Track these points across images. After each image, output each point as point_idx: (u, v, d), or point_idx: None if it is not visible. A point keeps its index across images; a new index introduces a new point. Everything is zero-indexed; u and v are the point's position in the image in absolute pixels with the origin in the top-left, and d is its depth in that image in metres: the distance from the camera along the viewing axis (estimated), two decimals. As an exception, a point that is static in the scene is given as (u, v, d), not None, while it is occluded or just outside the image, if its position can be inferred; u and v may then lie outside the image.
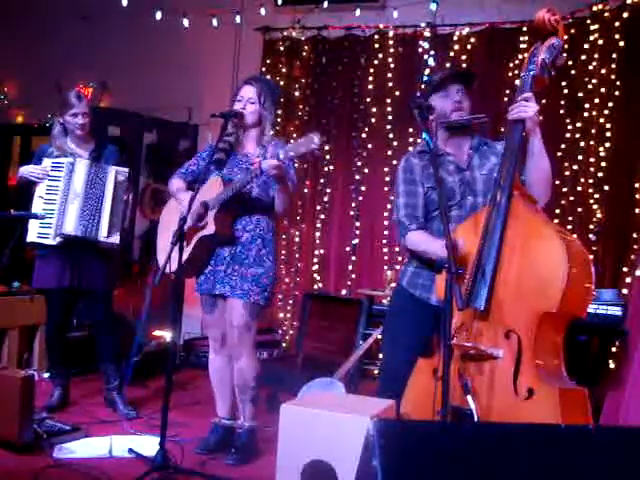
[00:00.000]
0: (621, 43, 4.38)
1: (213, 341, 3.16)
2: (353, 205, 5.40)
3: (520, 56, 4.73)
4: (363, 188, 5.37)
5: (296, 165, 5.22)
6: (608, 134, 4.41)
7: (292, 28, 5.52)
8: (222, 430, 3.16)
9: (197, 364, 4.91)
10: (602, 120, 4.44)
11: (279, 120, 5.26)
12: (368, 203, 5.36)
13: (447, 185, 2.55)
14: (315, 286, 5.43)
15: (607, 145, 4.41)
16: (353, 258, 5.38)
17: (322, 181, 5.51)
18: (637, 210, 4.12)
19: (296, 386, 3.57)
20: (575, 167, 4.60)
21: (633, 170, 4.21)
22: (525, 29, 4.86)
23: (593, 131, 4.50)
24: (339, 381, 3.60)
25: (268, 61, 5.62)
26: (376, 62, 5.32)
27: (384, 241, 5.25)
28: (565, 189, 4.60)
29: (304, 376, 3.76)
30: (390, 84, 5.26)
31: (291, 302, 5.53)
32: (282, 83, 5.44)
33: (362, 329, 4.36)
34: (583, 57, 4.59)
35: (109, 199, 3.53)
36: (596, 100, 4.48)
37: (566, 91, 4.69)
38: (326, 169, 5.51)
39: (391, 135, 5.26)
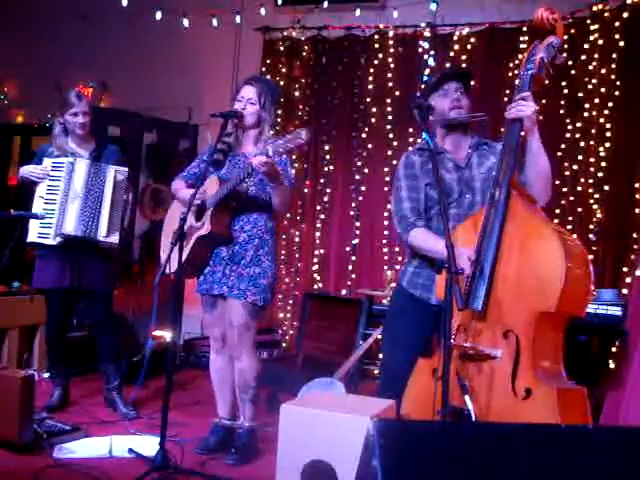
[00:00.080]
0: (621, 43, 4.38)
1: (214, 341, 3.16)
2: (353, 205, 5.40)
3: (520, 56, 4.73)
4: (363, 188, 5.37)
5: (296, 165, 5.31)
6: (608, 134, 4.41)
7: (292, 28, 5.52)
8: (222, 430, 3.16)
9: (197, 364, 4.92)
10: (602, 120, 4.44)
11: (279, 120, 5.26)
12: (368, 203, 5.35)
13: (445, 182, 2.54)
14: (315, 286, 5.43)
15: (607, 145, 4.41)
16: (353, 258, 5.38)
17: (322, 181, 5.51)
18: (637, 210, 4.12)
19: (296, 386, 3.57)
20: (575, 167, 4.60)
21: (633, 170, 4.21)
22: (525, 29, 4.86)
23: (593, 131, 4.50)
24: (339, 381, 3.60)
25: (268, 61, 5.62)
26: (376, 62, 5.32)
27: (384, 241, 5.24)
28: (565, 189, 4.60)
29: (304, 376, 3.76)
30: (390, 84, 5.26)
31: (291, 302, 5.53)
32: (282, 83, 5.44)
33: (362, 329, 4.35)
34: (583, 57, 4.58)
35: (108, 199, 3.53)
36: (596, 100, 4.48)
37: (566, 91, 4.69)
38: (326, 169, 5.50)
39: (391, 135, 5.26)
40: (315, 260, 5.47)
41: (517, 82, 2.40)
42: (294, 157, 5.34)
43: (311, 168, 5.53)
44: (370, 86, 5.33)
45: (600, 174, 4.44)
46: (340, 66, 5.45)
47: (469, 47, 5.06)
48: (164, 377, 2.73)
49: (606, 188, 4.41)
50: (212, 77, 5.65)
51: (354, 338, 4.38)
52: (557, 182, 4.42)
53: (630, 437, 1.35)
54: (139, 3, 5.45)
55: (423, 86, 4.77)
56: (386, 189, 5.17)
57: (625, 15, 4.37)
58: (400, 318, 2.70)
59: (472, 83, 2.89)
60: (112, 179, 3.55)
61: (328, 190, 5.49)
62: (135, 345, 4.73)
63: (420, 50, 5.15)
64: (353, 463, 1.35)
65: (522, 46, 4.82)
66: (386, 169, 5.23)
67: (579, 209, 4.54)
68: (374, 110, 5.32)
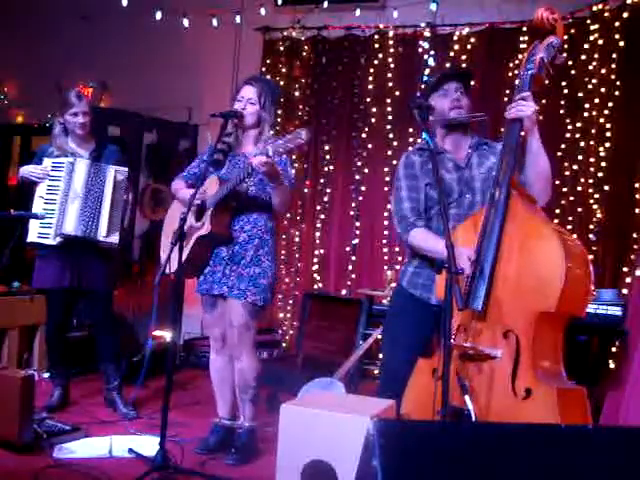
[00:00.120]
0: (621, 43, 4.38)
1: (214, 341, 3.16)
2: (353, 205, 5.40)
3: (520, 56, 4.73)
4: (363, 188, 5.37)
5: (296, 165, 5.31)
6: (608, 134, 4.41)
7: (292, 28, 5.52)
8: (222, 430, 3.16)
9: (197, 364, 4.92)
10: (602, 120, 4.44)
11: (279, 120, 5.26)
12: (368, 203, 5.35)
13: (445, 182, 2.54)
14: (315, 286, 5.43)
15: (607, 145, 4.41)
16: (353, 258, 5.38)
17: (322, 181, 5.51)
18: (637, 210, 4.12)
19: (296, 386, 3.57)
20: (575, 167, 4.60)
21: (633, 170, 4.21)
22: (525, 29, 4.86)
23: (593, 131, 4.50)
24: (339, 381, 3.60)
25: (268, 61, 5.62)
26: (376, 62, 5.32)
27: (384, 241, 5.24)
28: (565, 189, 4.60)
29: (304, 376, 3.76)
30: (390, 84, 5.26)
31: (291, 302, 5.53)
32: (282, 83, 5.45)
33: (362, 329, 4.35)
34: (583, 57, 4.58)
35: (108, 199, 3.53)
36: (596, 100, 4.48)
37: (566, 91, 4.69)
38: (326, 169, 5.50)
39: (391, 135, 5.26)
40: (315, 260, 5.47)
41: (517, 82, 2.40)
42: (294, 157, 5.34)
43: (311, 168, 5.53)
44: (370, 86, 5.33)
45: (600, 174, 4.44)
46: (340, 66, 5.45)
47: (469, 47, 5.06)
48: (164, 377, 2.73)
49: (606, 188, 4.40)
50: (212, 77, 5.65)
51: (354, 338, 4.38)
52: (557, 182, 4.42)
53: (630, 437, 1.35)
54: (139, 3, 5.45)
55: (423, 86, 4.77)
56: (386, 189, 5.17)
57: (625, 15, 4.37)
58: (400, 318, 2.70)
59: (472, 83, 2.89)
60: (112, 179, 3.55)
61: (328, 190, 5.49)
62: (135, 345, 4.74)
63: (420, 50, 5.15)
64: (353, 463, 1.35)
65: (522, 46, 4.82)
66: (386, 169, 5.23)
67: (579, 209, 4.54)
68: (374, 110, 5.32)
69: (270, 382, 3.80)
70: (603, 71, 4.45)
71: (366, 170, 5.38)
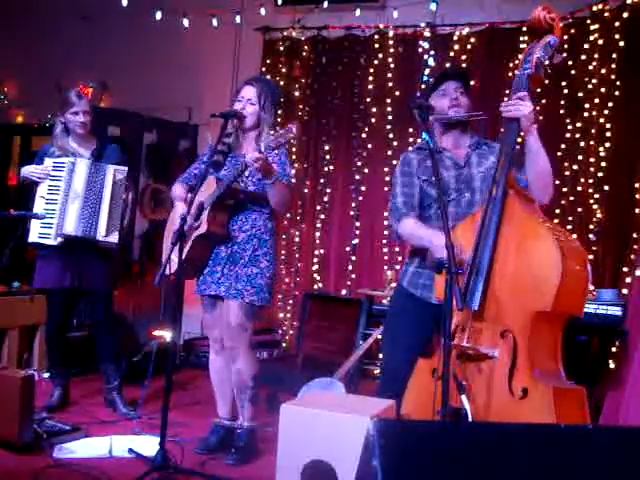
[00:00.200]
0: (621, 43, 4.38)
1: (213, 342, 3.16)
2: (353, 205, 5.40)
3: (520, 56, 4.72)
4: (363, 188, 5.37)
5: (296, 165, 5.31)
6: (608, 134, 4.41)
7: (292, 28, 5.52)
8: (222, 430, 3.16)
9: (197, 364, 4.91)
10: (602, 120, 4.44)
11: (279, 120, 5.26)
12: (368, 203, 5.35)
13: (443, 180, 2.55)
14: (315, 286, 5.43)
15: (607, 145, 4.41)
16: (353, 258, 5.38)
17: (322, 181, 5.50)
18: (637, 210, 4.11)
19: (296, 386, 3.57)
20: (575, 167, 4.59)
21: (633, 170, 4.21)
22: (525, 29, 4.86)
23: (593, 131, 4.50)
24: (339, 381, 3.60)
25: (268, 61, 5.62)
26: (376, 62, 5.32)
27: (384, 241, 5.24)
28: (565, 189, 4.60)
29: (304, 376, 3.76)
30: (390, 84, 5.26)
31: (291, 302, 5.53)
32: (282, 83, 5.44)
33: (362, 329, 4.35)
34: (583, 57, 4.58)
35: (107, 198, 3.53)
36: (596, 100, 4.47)
37: (566, 91, 4.69)
38: (326, 169, 5.50)
39: (391, 135, 5.26)
40: (315, 260, 5.47)
41: (514, 81, 2.41)
42: (294, 157, 5.35)
43: (311, 168, 5.53)
44: (370, 86, 5.33)
45: (600, 174, 4.44)
46: (340, 66, 5.44)
47: (469, 47, 5.06)
48: (164, 377, 2.73)
49: (606, 188, 4.40)
50: (212, 77, 5.65)
51: (354, 338, 4.38)
52: (557, 182, 4.41)
53: (630, 437, 1.35)
54: (139, 3, 5.45)
55: (423, 86, 4.78)
56: (386, 189, 5.16)
57: (625, 15, 4.37)
58: (400, 318, 2.70)
59: (472, 83, 2.90)
60: (111, 178, 3.54)
61: (328, 190, 5.49)
62: (135, 345, 4.73)
63: (420, 50, 5.14)
64: (353, 463, 1.35)
65: (522, 46, 4.81)
66: (386, 169, 5.22)
67: (579, 209, 4.54)
68: (374, 110, 5.31)
69: (270, 382, 3.80)
70: (603, 71, 4.45)
71: (366, 170, 5.38)
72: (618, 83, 4.38)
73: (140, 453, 2.90)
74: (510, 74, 4.84)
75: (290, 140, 2.82)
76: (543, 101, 4.63)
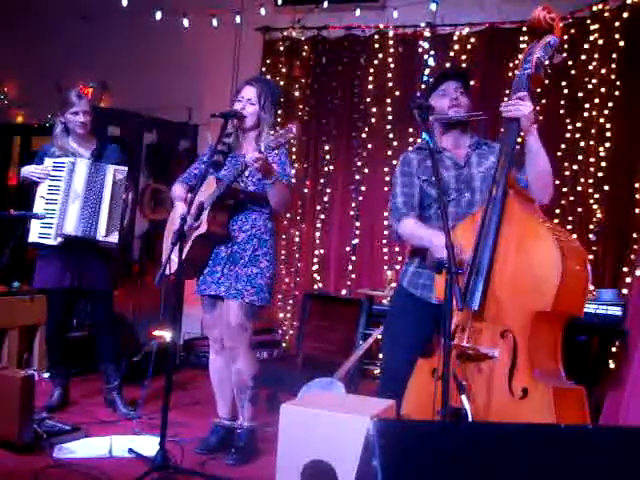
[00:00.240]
0: (621, 43, 4.38)
1: (213, 342, 3.16)
2: (353, 205, 5.40)
3: (520, 56, 4.72)
4: (363, 188, 5.37)
5: (296, 165, 5.31)
6: (608, 134, 4.41)
7: (292, 28, 5.52)
8: (222, 430, 3.16)
9: (197, 364, 4.91)
10: (602, 120, 4.44)
11: (279, 120, 5.26)
12: (368, 203, 5.35)
13: (442, 180, 2.55)
14: (315, 286, 5.43)
15: (607, 145, 4.41)
16: (353, 258, 5.38)
17: (322, 181, 5.51)
18: (637, 210, 4.12)
19: (296, 386, 3.57)
20: (575, 167, 4.59)
21: (633, 170, 4.21)
22: (525, 29, 4.86)
23: (593, 131, 4.50)
24: (339, 381, 3.60)
25: (268, 61, 5.62)
26: (376, 62, 5.32)
27: (384, 241, 5.24)
28: (565, 189, 4.60)
29: (304, 376, 3.76)
30: (390, 84, 5.26)
31: (291, 302, 5.53)
32: (282, 83, 5.44)
33: (362, 329, 4.35)
34: (583, 57, 4.58)
35: (107, 198, 3.53)
36: (596, 100, 4.48)
37: (566, 91, 4.69)
38: (326, 169, 5.50)
39: (391, 135, 5.26)
40: (315, 260, 5.47)
41: (514, 81, 2.41)
42: (294, 157, 5.35)
43: (311, 168, 5.53)
44: (370, 86, 5.33)
45: (600, 174, 4.44)
46: (340, 66, 5.45)
47: (469, 47, 5.06)
48: (164, 377, 2.73)
49: (606, 188, 4.40)
50: (212, 77, 5.65)
51: (354, 338, 4.38)
52: (557, 182, 4.41)
53: (630, 437, 1.35)
54: (139, 3, 5.45)
55: (423, 86, 4.78)
56: (386, 189, 5.16)
57: (625, 15, 4.37)
58: (400, 318, 2.70)
59: (472, 83, 2.90)
60: (111, 178, 3.54)
61: (328, 190, 5.49)
62: (135, 345, 4.73)
63: (420, 50, 5.15)
64: (353, 463, 1.35)
65: (522, 46, 4.81)
66: (386, 169, 5.22)
67: (579, 209, 4.54)
68: (374, 110, 5.31)
69: (270, 382, 3.80)
70: (603, 71, 4.45)
71: (366, 170, 5.38)
72: (618, 83, 4.38)
73: (140, 453, 2.90)
74: (510, 74, 4.84)
75: (290, 140, 2.82)
76: (543, 101, 4.63)
